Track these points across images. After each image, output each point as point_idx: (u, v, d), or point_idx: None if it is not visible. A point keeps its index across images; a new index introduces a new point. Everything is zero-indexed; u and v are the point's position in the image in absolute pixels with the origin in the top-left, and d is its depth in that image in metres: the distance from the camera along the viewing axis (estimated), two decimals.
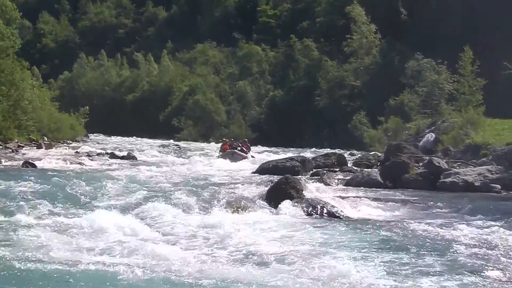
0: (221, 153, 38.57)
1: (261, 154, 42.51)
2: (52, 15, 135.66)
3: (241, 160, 35.85)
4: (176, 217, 15.35)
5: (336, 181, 24.93)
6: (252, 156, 38.50)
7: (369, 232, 14.41)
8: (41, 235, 12.61)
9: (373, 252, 12.27)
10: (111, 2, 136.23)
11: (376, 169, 28.01)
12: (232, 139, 44.76)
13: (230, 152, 37.31)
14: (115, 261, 11.01)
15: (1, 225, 13.59)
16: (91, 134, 68.04)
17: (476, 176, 23.64)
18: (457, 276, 10.52)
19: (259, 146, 56.33)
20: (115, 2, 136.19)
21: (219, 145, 43.36)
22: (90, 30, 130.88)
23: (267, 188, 19.21)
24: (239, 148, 38.54)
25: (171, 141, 63.90)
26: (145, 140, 65.71)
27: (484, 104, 36.47)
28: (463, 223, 15.34)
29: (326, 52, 73.63)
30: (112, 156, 37.59)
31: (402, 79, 52.90)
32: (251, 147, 42.35)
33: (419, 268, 11.05)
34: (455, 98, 42.15)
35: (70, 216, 14.91)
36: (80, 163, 32.00)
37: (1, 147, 38.47)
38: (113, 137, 70.59)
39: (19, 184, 20.11)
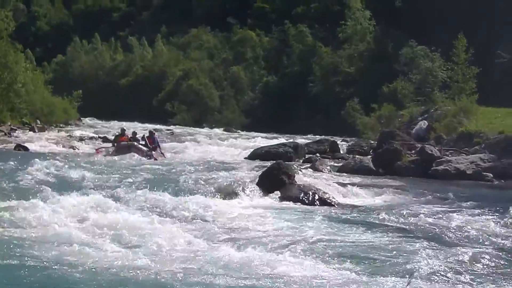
0: (114, 145, 29.68)
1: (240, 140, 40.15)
2: None
3: (140, 157, 27.38)
4: (165, 200, 15.27)
5: (328, 167, 24.96)
6: (162, 154, 29.04)
7: (359, 218, 14.45)
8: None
9: (364, 238, 12.30)
10: None
11: (368, 156, 28.09)
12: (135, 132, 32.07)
13: (126, 146, 28.68)
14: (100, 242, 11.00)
15: None
16: (84, 118, 67.63)
17: (468, 164, 23.72)
18: (446, 262, 10.56)
19: (252, 131, 56.37)
20: None
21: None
22: (85, 13, 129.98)
23: (258, 174, 19.18)
24: (142, 142, 29.44)
25: (164, 126, 63.48)
26: (139, 124, 65.45)
27: (478, 92, 36.45)
28: (454, 210, 15.39)
29: (320, 38, 73.47)
30: (105, 140, 37.53)
31: (396, 66, 52.79)
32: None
33: (409, 254, 11.03)
34: (448, 86, 42.07)
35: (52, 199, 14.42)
36: (72, 147, 32.04)
37: None
38: (106, 122, 70.22)
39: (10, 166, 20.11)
